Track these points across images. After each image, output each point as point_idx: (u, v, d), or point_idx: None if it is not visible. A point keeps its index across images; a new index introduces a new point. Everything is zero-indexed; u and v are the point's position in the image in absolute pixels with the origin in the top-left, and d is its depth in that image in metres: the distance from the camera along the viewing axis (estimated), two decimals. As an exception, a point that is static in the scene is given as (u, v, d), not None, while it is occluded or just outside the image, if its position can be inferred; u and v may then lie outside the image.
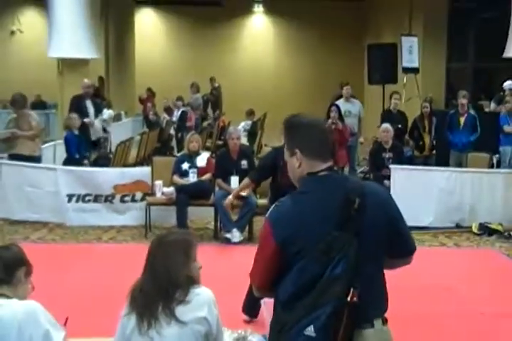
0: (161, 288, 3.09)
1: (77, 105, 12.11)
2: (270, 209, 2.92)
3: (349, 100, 13.35)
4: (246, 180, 7.86)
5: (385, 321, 2.92)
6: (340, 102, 13.08)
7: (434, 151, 12.31)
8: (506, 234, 9.68)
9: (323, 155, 2.94)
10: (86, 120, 11.87)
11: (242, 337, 3.65)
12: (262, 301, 3.23)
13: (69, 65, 14.42)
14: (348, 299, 2.68)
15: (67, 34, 13.80)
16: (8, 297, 3.07)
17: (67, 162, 10.88)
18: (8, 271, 3.16)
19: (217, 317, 3.14)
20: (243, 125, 15.55)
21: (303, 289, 2.74)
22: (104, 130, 15.44)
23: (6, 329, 2.92)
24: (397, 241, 2.97)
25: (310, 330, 2.67)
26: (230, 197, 8.20)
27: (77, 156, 11.00)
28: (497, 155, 11.74)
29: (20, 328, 2.92)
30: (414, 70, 14.41)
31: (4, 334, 2.92)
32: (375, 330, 2.85)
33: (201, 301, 3.10)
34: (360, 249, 2.75)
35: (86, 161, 11.04)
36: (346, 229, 2.75)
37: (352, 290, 2.69)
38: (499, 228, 9.79)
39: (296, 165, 2.95)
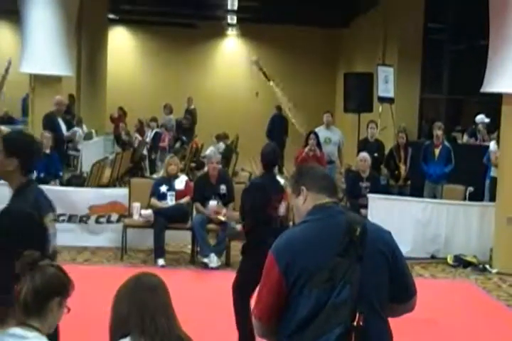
0: None
1: (49, 123, 12.00)
2: (275, 241, 2.99)
3: (329, 127, 13.36)
4: None
5: None
6: (320, 129, 13.10)
7: (408, 181, 12.37)
8: (481, 266, 9.75)
9: (328, 190, 3.08)
10: (67, 134, 11.89)
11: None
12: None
13: (41, 82, 14.24)
14: (355, 323, 2.70)
15: (41, 50, 13.63)
16: (35, 328, 2.81)
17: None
18: (38, 300, 2.80)
19: None
20: (212, 149, 15.45)
21: (308, 317, 2.77)
22: (75, 148, 15.34)
23: None
24: (397, 280, 2.97)
25: None
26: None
27: (41, 175, 10.78)
28: (471, 188, 11.85)
29: None
30: (390, 100, 14.53)
31: None
32: None
33: None
34: (363, 276, 2.78)
35: (53, 182, 10.77)
36: (348, 256, 2.79)
37: (358, 314, 2.71)
38: (474, 260, 9.87)
39: (301, 202, 3.06)
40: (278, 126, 19.10)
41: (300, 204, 3.06)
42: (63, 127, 12.26)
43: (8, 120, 20.32)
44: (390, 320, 2.97)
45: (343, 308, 2.71)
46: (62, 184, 10.98)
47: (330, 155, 12.81)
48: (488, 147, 12.05)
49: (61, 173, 11.34)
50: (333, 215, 2.96)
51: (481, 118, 13.95)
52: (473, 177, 11.99)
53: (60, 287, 2.88)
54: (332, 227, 2.89)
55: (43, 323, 2.85)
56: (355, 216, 3.03)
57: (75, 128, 14.01)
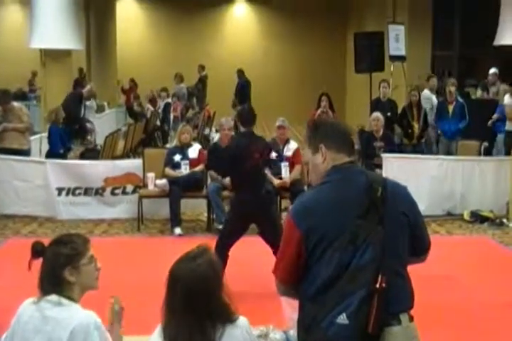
0: None
1: (73, 101, 11.93)
2: (294, 202, 2.98)
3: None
4: None
5: (411, 318, 2.93)
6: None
7: (422, 139, 12.31)
8: (498, 221, 9.72)
9: (347, 149, 2.99)
10: (89, 125, 11.97)
11: (264, 334, 3.61)
12: (282, 297, 3.20)
13: (52, 56, 14.27)
14: (377, 285, 2.69)
15: (50, 25, 13.63)
16: (68, 298, 3.01)
17: (50, 155, 10.70)
18: (52, 282, 3.03)
19: None
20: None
21: (330, 280, 2.75)
22: (89, 121, 15.36)
23: (59, 331, 2.93)
24: (415, 235, 2.97)
25: (342, 318, 2.68)
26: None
27: (61, 151, 10.84)
28: (485, 143, 11.80)
29: (73, 335, 2.90)
30: (401, 58, 14.38)
31: (57, 336, 2.93)
32: (402, 328, 2.85)
33: None
34: (385, 236, 2.77)
35: (70, 155, 10.85)
36: (370, 217, 2.78)
37: (380, 276, 2.70)
38: (490, 215, 9.83)
39: (321, 160, 2.98)
40: (242, 91, 19.13)
41: (318, 162, 2.97)
42: (82, 110, 12.20)
43: (21, 96, 20.39)
44: (412, 275, 2.97)
45: (366, 270, 2.70)
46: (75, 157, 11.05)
47: None
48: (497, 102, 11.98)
49: (72, 145, 11.42)
50: (353, 176, 2.91)
51: (494, 71, 13.79)
52: (487, 132, 11.91)
53: (64, 261, 3.04)
54: (352, 188, 2.85)
55: (72, 291, 3.04)
56: (375, 176, 3.00)
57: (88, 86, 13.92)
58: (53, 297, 2.99)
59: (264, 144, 6.95)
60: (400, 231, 2.89)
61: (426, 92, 13.14)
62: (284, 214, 8.64)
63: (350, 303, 2.68)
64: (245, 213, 6.58)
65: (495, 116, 11.82)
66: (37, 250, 3.08)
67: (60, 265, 3.01)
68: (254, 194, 6.56)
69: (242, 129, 6.85)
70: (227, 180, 9.07)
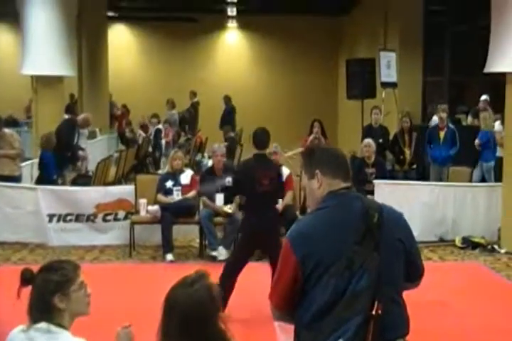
0: None
1: (68, 131, 11.88)
2: (291, 228, 2.95)
3: None
4: None
5: None
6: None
7: (414, 165, 12.35)
8: (489, 247, 9.74)
9: (342, 175, 3.00)
10: (81, 153, 11.90)
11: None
12: (277, 324, 3.18)
13: (43, 83, 14.26)
14: (373, 312, 2.69)
15: (42, 51, 13.64)
16: (59, 325, 2.98)
17: (43, 182, 10.61)
18: (41, 310, 2.99)
19: None
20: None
21: (327, 306, 2.74)
22: (81, 149, 15.34)
23: None
24: (410, 261, 2.98)
25: None
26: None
27: (54, 177, 10.81)
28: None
29: None
30: (393, 85, 14.48)
31: None
32: None
33: None
34: (380, 263, 2.77)
35: (60, 181, 10.80)
36: (366, 243, 2.78)
37: (376, 303, 2.70)
38: (482, 241, 9.85)
39: (317, 186, 2.99)
40: (228, 117, 19.19)
41: (315, 188, 2.99)
42: (76, 137, 12.16)
43: (12, 123, 20.40)
44: (406, 301, 2.97)
45: (362, 297, 2.70)
46: (66, 183, 11.01)
47: None
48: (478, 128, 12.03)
49: (64, 172, 11.43)
50: (349, 201, 2.92)
51: (485, 98, 13.89)
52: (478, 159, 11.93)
53: (53, 288, 3.00)
54: (348, 214, 2.86)
55: (62, 318, 3.00)
56: (371, 201, 3.01)
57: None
58: (43, 325, 2.95)
59: (274, 170, 7.04)
60: (396, 257, 2.89)
61: (435, 119, 13.22)
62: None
63: (347, 329, 2.67)
64: (254, 233, 6.64)
65: (476, 142, 11.74)
66: (26, 278, 3.04)
67: (50, 292, 2.98)
68: (261, 216, 6.67)
69: (255, 151, 6.96)
70: (219, 206, 9.11)
